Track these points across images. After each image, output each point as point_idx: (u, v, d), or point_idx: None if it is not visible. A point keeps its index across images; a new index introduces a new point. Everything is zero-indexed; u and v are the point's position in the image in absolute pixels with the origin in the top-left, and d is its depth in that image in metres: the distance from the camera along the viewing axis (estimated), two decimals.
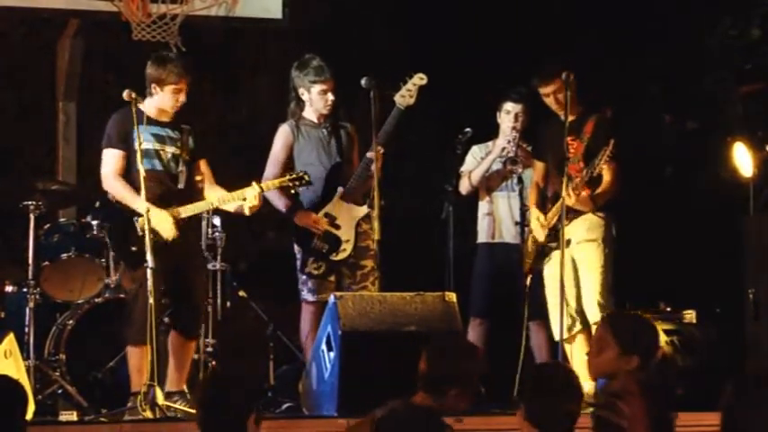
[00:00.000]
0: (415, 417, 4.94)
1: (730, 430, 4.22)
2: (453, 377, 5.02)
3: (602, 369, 4.95)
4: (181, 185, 7.42)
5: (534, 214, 7.93)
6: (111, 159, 7.41)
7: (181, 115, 7.50)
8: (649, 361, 4.89)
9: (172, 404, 7.13)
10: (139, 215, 7.22)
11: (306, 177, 7.62)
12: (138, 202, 7.19)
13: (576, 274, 7.79)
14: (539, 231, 7.86)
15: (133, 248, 7.22)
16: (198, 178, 7.55)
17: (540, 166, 8.03)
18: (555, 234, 7.75)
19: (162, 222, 7.23)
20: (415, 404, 5.01)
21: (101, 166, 7.46)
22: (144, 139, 7.30)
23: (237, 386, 4.53)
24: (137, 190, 7.21)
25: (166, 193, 7.34)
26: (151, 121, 7.40)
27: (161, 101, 7.42)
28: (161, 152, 7.40)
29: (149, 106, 7.44)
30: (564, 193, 7.59)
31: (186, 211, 7.36)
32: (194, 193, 7.48)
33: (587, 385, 7.52)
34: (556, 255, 7.71)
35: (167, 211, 7.27)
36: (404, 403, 5.01)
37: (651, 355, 4.91)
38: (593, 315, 7.66)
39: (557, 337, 7.72)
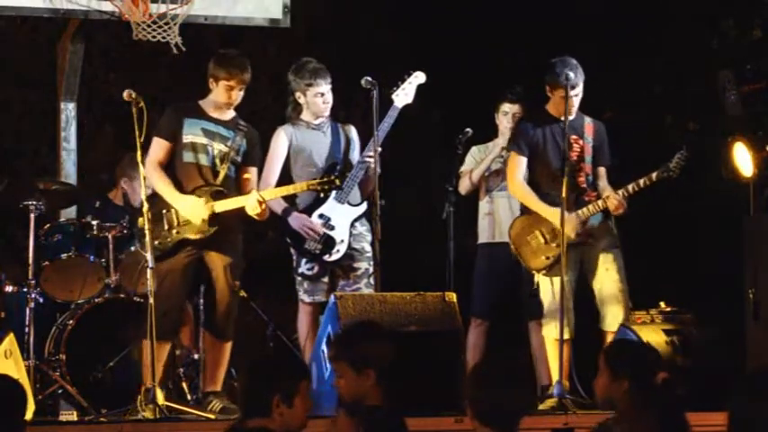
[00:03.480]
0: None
1: (738, 430, 4.22)
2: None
3: (600, 394, 5.07)
4: (218, 182, 7.44)
5: (567, 221, 7.69)
6: (154, 147, 7.47)
7: (242, 118, 7.60)
8: (643, 384, 4.91)
9: (193, 409, 7.20)
10: (169, 209, 7.32)
11: (336, 182, 7.54)
12: (174, 196, 7.31)
13: (593, 276, 7.86)
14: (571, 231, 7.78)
15: (156, 242, 7.23)
16: (246, 176, 7.54)
17: (523, 161, 7.90)
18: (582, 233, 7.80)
19: (195, 209, 7.28)
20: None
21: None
22: (192, 132, 7.43)
23: (262, 367, 4.90)
24: (176, 182, 7.34)
25: (203, 187, 7.37)
26: (205, 116, 7.48)
27: (215, 96, 7.52)
28: (208, 147, 7.44)
29: (207, 101, 7.54)
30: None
31: (220, 205, 7.34)
32: (231, 194, 7.46)
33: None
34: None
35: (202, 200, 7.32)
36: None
37: (643, 379, 4.93)
38: (617, 320, 7.78)
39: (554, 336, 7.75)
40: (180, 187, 7.39)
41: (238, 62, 7.54)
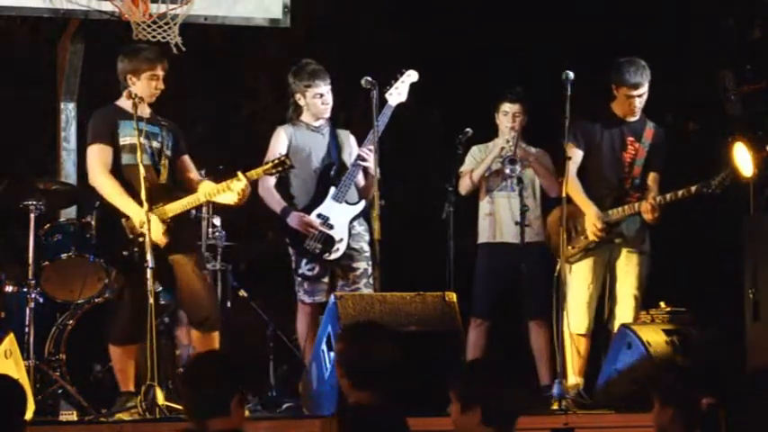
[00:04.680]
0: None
1: (738, 430, 4.21)
2: None
3: (655, 424, 5.00)
4: (163, 180, 7.34)
5: (592, 215, 7.94)
6: (98, 153, 7.28)
7: (158, 113, 7.47)
8: (687, 411, 4.89)
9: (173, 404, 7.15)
10: (126, 216, 7.16)
11: (287, 162, 7.38)
12: (129, 204, 7.14)
13: (613, 274, 8.00)
14: (593, 231, 7.91)
15: (124, 252, 7.17)
16: (190, 175, 7.47)
17: (578, 154, 8.04)
18: (610, 229, 7.94)
19: (152, 226, 7.13)
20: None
21: (87, 163, 7.38)
22: (128, 134, 7.24)
23: (219, 365, 4.58)
24: (124, 186, 7.17)
25: (150, 188, 7.16)
26: (131, 116, 7.22)
27: (138, 91, 7.29)
28: (146, 146, 7.26)
29: (125, 102, 7.33)
30: (644, 205, 7.87)
31: (173, 210, 7.23)
32: (177, 189, 7.38)
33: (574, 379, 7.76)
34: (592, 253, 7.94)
35: (154, 212, 7.13)
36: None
37: (687, 406, 4.91)
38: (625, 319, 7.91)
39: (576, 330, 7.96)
40: (127, 191, 7.16)
41: (154, 50, 7.44)
